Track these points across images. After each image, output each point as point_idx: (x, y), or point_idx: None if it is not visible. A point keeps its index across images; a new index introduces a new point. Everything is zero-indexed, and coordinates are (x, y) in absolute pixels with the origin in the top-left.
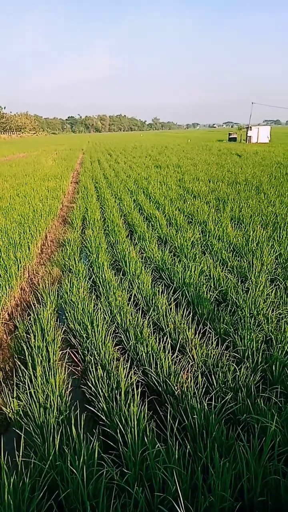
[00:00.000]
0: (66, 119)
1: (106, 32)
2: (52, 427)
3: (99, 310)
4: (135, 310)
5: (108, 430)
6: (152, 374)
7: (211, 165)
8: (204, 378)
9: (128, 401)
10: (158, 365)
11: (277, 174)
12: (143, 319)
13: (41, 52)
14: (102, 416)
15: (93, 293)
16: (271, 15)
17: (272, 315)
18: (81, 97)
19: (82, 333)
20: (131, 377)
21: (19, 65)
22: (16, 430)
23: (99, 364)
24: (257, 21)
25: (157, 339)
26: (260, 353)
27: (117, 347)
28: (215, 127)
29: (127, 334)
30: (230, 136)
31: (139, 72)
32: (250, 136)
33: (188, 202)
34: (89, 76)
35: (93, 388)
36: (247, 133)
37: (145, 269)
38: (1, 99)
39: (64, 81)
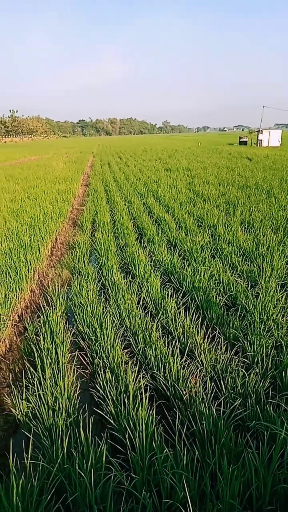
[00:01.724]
0: (77, 123)
1: (117, 38)
2: (60, 429)
3: (108, 313)
4: (143, 314)
5: (116, 434)
6: (160, 378)
7: (221, 168)
8: (212, 383)
9: (136, 405)
10: (167, 369)
11: None
12: (151, 322)
13: (53, 58)
14: (110, 420)
15: (102, 296)
16: (283, 20)
17: (282, 320)
18: (92, 101)
19: (91, 335)
20: (139, 381)
21: (32, 71)
22: (25, 432)
23: (107, 367)
24: (270, 25)
25: (166, 343)
26: (270, 359)
27: (126, 350)
28: (225, 130)
29: (136, 337)
30: (241, 140)
31: (150, 76)
32: (261, 140)
33: (198, 206)
34: (100, 80)
35: (101, 391)
36: (257, 137)
37: (154, 272)
38: (13, 103)
39: (75, 86)
